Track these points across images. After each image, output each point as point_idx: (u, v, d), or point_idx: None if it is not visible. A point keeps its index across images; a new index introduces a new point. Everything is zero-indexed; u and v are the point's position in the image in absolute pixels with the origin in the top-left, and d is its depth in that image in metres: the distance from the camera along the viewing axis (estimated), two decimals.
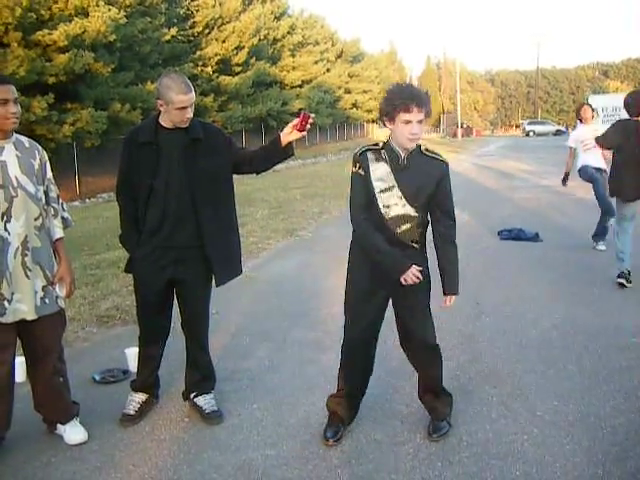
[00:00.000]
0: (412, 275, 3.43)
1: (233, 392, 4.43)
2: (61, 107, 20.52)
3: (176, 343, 4.25)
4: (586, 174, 8.82)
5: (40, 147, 3.70)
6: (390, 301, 3.73)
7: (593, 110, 9.09)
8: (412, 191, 3.45)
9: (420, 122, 3.34)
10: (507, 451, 3.59)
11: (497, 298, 6.60)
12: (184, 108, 3.65)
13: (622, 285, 6.67)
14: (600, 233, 8.71)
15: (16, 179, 3.44)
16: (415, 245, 3.56)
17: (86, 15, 21.17)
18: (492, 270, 7.85)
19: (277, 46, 40.49)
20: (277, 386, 4.54)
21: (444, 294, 3.64)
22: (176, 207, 3.77)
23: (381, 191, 3.47)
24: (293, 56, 42.28)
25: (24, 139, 3.60)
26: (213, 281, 3.99)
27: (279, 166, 4.16)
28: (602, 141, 6.84)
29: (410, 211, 3.48)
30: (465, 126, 74.84)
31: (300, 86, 42.07)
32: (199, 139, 3.78)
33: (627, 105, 6.63)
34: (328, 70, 47.28)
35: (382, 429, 3.86)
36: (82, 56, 20.00)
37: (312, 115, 3.74)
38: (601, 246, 8.66)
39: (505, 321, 5.85)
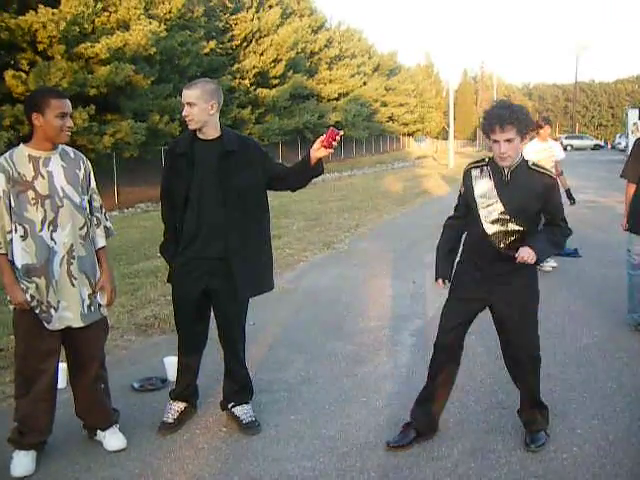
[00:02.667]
0: (438, 285, 3.77)
1: (270, 403, 4.45)
2: (101, 118, 20.87)
3: (215, 353, 4.28)
4: None
5: (85, 157, 3.78)
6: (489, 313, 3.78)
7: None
8: (515, 206, 3.49)
9: (508, 141, 3.38)
10: (546, 469, 3.54)
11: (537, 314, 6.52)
12: (184, 105, 3.78)
13: None
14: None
15: (62, 189, 3.52)
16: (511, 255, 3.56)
17: (127, 28, 21.53)
18: None
19: (314, 59, 40.73)
20: (313, 398, 4.54)
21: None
22: (209, 218, 3.81)
23: (483, 207, 3.55)
24: (330, 69, 42.48)
25: (69, 150, 3.68)
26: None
27: (316, 179, 4.18)
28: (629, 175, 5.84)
29: (513, 226, 3.51)
30: None
31: (337, 99, 42.22)
32: (234, 151, 3.83)
33: None
34: (365, 83, 47.37)
35: (420, 444, 3.82)
36: (123, 68, 20.33)
37: (340, 132, 3.74)
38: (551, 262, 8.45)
39: (544, 338, 5.73)
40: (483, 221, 3.55)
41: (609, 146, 67.25)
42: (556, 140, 8.81)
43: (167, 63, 24.35)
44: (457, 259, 3.87)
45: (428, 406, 3.86)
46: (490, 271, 3.61)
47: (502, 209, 3.50)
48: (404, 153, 57.40)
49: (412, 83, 60.49)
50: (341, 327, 6.19)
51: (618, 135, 59.84)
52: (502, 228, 3.53)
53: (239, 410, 4.10)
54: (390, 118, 53.53)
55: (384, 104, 51.85)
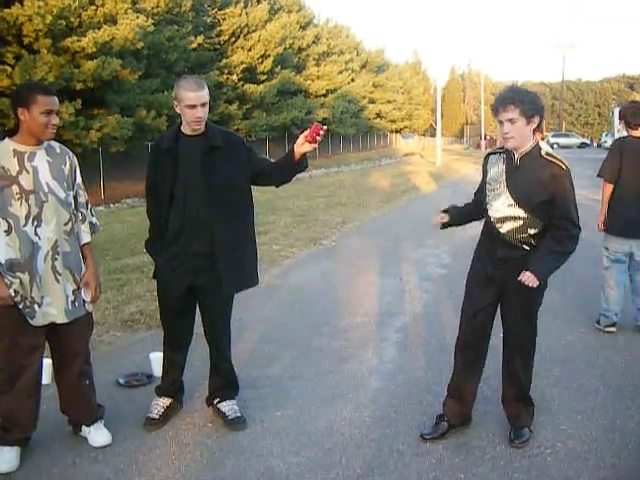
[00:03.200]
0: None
1: (256, 399, 4.45)
2: (88, 113, 20.74)
3: (201, 349, 4.27)
4: None
5: (71, 153, 3.76)
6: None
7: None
8: (521, 193, 3.51)
9: (510, 121, 3.43)
10: (530, 465, 3.57)
11: None
12: (194, 106, 3.68)
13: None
14: None
15: (47, 185, 3.50)
16: (525, 247, 3.59)
17: (115, 23, 21.40)
18: None
19: (302, 55, 40.66)
20: (299, 394, 4.55)
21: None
22: (194, 214, 3.80)
23: (491, 191, 3.62)
24: (318, 65, 42.43)
25: (55, 145, 3.66)
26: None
27: (302, 175, 4.19)
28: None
29: (518, 212, 3.53)
30: (488, 137, 74.46)
31: (324, 95, 42.19)
32: (218, 147, 3.81)
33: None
34: (352, 80, 47.37)
35: (405, 440, 3.85)
36: (110, 63, 20.21)
37: (324, 127, 3.74)
38: None
39: None
40: (490, 206, 3.62)
41: (595, 144, 67.59)
42: (543, 139, 8.82)
43: (154, 58, 24.24)
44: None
45: (457, 397, 3.89)
46: (500, 256, 3.64)
47: (507, 194, 3.54)
48: (391, 150, 57.45)
49: (400, 80, 60.56)
50: (327, 323, 6.20)
51: (604, 133, 60.18)
52: (507, 214, 3.56)
53: (225, 406, 4.10)
54: (378, 115, 53.54)
55: (372, 101, 51.86)
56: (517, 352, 3.83)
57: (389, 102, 55.29)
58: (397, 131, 63.37)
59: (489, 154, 3.78)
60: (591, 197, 16.83)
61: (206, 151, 3.79)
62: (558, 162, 3.51)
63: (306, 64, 41.13)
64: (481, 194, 3.78)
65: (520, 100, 3.42)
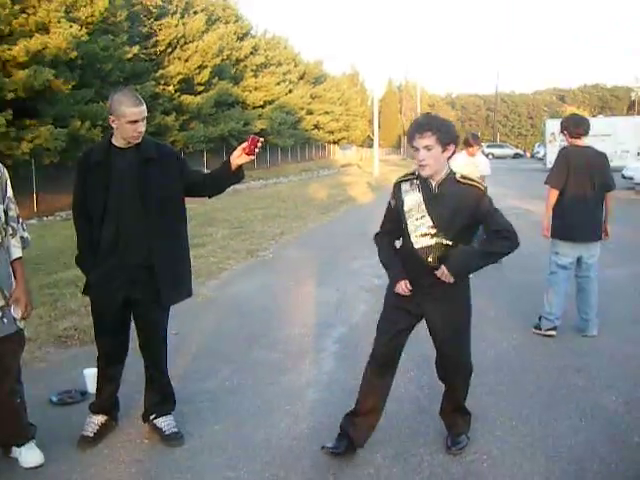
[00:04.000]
0: (401, 288, 3.60)
1: (194, 414, 4.40)
2: (20, 123, 20.21)
3: (136, 364, 4.20)
4: None
5: (1, 165, 3.66)
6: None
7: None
8: (444, 220, 3.49)
9: (427, 148, 3.42)
10: (467, 471, 3.62)
11: None
12: (135, 122, 3.65)
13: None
14: None
15: None
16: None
17: (47, 31, 20.96)
18: None
19: (240, 66, 40.53)
20: (238, 407, 4.52)
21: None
22: (129, 227, 3.75)
23: (412, 221, 3.55)
24: (256, 76, 42.36)
25: None
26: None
27: (240, 186, 4.19)
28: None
29: (441, 240, 3.51)
30: None
31: (262, 106, 42.12)
32: (152, 159, 3.78)
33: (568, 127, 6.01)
34: (290, 91, 47.43)
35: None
36: (42, 72, 19.76)
37: (261, 139, 3.76)
38: None
39: None
40: (412, 235, 3.56)
41: (528, 155, 69.25)
42: (478, 151, 9.00)
43: (89, 68, 23.78)
44: None
45: (362, 419, 3.79)
46: (421, 283, 3.60)
47: (430, 223, 3.50)
48: (329, 161, 57.72)
49: (337, 91, 60.92)
50: (265, 335, 6.18)
51: (537, 144, 61.78)
52: (431, 242, 3.53)
53: (161, 421, 4.04)
54: (315, 126, 53.71)
55: (310, 112, 52.01)
56: (456, 373, 3.85)
57: (327, 113, 55.55)
58: (335, 142, 63.69)
59: (400, 182, 3.68)
60: (523, 207, 17.30)
61: (140, 163, 3.75)
62: (476, 184, 3.55)
63: (244, 75, 41.00)
64: (392, 223, 3.73)
65: (437, 128, 3.42)
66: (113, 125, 3.72)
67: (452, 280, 3.47)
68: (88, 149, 4.01)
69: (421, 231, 3.54)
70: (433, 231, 3.51)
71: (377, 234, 3.87)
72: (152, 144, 3.88)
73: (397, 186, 3.67)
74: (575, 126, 5.94)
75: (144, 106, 3.72)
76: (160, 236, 3.79)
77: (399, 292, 3.62)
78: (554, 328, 6.03)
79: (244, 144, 3.74)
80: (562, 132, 6.08)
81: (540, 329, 6.07)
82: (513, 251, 3.56)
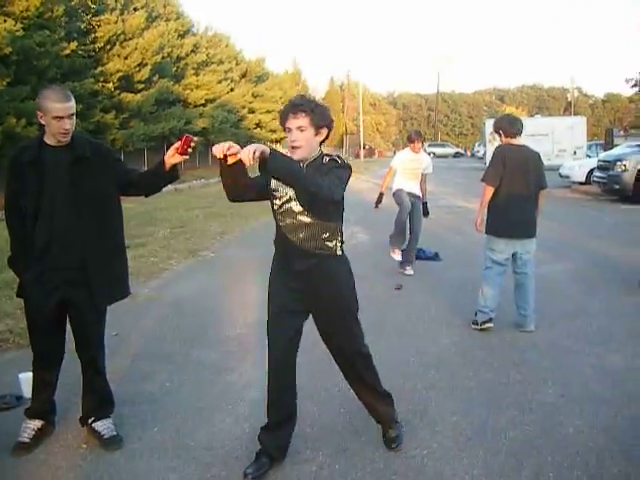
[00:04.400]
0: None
1: (133, 416, 4.32)
2: None
3: (73, 367, 4.11)
4: (399, 197, 8.81)
5: None
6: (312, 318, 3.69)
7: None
8: (308, 198, 3.39)
9: (300, 129, 3.35)
10: (408, 466, 3.65)
11: (398, 317, 6.73)
12: (61, 118, 3.57)
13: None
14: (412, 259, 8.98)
15: None
16: (322, 252, 3.50)
17: None
18: (393, 287, 7.99)
19: (181, 64, 40.11)
20: (178, 408, 4.46)
21: None
22: (62, 227, 3.67)
23: (277, 199, 3.50)
24: (197, 75, 41.98)
25: None
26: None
27: (181, 185, 4.15)
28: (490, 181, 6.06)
29: (308, 218, 3.45)
30: (367, 147, 76.23)
31: (203, 105, 41.79)
32: (85, 157, 3.71)
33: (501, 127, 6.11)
34: (232, 89, 47.18)
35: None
36: None
37: (194, 138, 3.72)
38: (397, 255, 8.85)
39: (406, 339, 5.97)
40: (277, 213, 3.52)
41: (469, 154, 70.44)
42: (421, 148, 9.09)
43: (24, 64, 23.19)
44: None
45: (277, 432, 3.70)
46: (298, 268, 3.50)
47: (295, 201, 3.44)
48: None
49: (280, 90, 60.79)
50: (206, 335, 6.12)
51: (477, 143, 62.88)
52: (294, 220, 3.47)
53: (100, 425, 3.96)
54: (258, 125, 53.53)
55: (252, 110, 51.81)
56: (359, 361, 3.77)
57: (269, 112, 55.36)
58: (277, 141, 63.49)
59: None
60: (462, 205, 17.59)
61: (73, 162, 3.67)
62: (335, 157, 3.47)
63: (185, 73, 40.60)
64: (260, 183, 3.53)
65: (311, 109, 3.37)
66: (41, 121, 3.63)
67: (255, 154, 3.01)
68: (19, 148, 3.88)
69: (284, 208, 3.48)
70: (299, 209, 3.44)
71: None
72: (85, 142, 3.80)
73: None
74: (510, 125, 6.07)
75: (71, 102, 3.61)
76: (94, 236, 3.72)
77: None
78: (489, 320, 6.15)
79: (177, 144, 3.69)
80: (497, 132, 6.18)
81: (477, 324, 6.17)
82: (316, 197, 3.29)
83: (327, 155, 3.49)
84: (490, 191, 6.03)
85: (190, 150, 3.69)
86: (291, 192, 3.45)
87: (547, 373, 5.05)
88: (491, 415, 4.29)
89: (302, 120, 3.35)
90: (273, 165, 3.06)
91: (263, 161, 3.03)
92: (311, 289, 3.54)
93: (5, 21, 20.83)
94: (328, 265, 3.55)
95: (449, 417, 4.28)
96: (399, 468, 3.63)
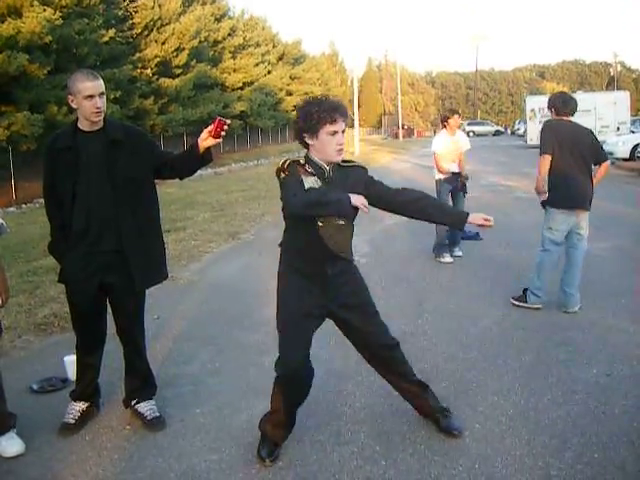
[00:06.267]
0: (358, 200, 3.12)
1: (175, 397, 4.38)
2: None
3: (117, 350, 4.17)
4: (440, 192, 8.66)
5: None
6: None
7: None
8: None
9: (343, 132, 3.32)
10: (449, 447, 3.63)
11: (439, 297, 6.68)
12: (91, 97, 3.58)
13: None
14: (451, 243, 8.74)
15: None
16: (347, 256, 3.50)
17: (20, 16, 20.66)
18: (434, 269, 7.94)
19: (218, 48, 40.22)
20: (220, 390, 4.50)
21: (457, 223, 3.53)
22: (99, 211, 3.71)
23: None
24: (234, 58, 42.07)
25: None
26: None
27: (221, 169, 4.16)
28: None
29: (341, 222, 3.39)
30: (406, 127, 75.65)
31: (241, 88, 41.89)
32: (119, 141, 3.72)
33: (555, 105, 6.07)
34: (269, 72, 47.20)
35: (325, 430, 3.86)
36: (16, 57, 19.51)
37: (227, 121, 3.66)
38: (448, 258, 8.53)
39: (447, 319, 5.92)
40: (317, 219, 3.35)
41: (509, 132, 69.44)
42: (459, 127, 8.97)
43: (64, 52, 23.50)
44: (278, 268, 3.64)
45: (281, 429, 3.64)
46: (331, 273, 3.45)
47: None
48: None
49: (317, 72, 60.65)
50: (247, 317, 6.16)
51: (517, 121, 61.93)
52: (333, 223, 3.37)
53: (143, 406, 4.02)
54: (295, 107, 53.51)
55: (289, 93, 51.78)
56: (393, 352, 3.70)
57: (306, 94, 55.18)
58: None
59: (291, 163, 3.37)
60: (504, 183, 17.36)
61: (107, 146, 3.69)
62: (359, 164, 3.50)
63: (222, 57, 40.70)
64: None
65: (347, 110, 3.37)
66: (73, 105, 3.66)
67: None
68: (54, 135, 3.91)
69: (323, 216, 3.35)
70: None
71: (290, 201, 3.29)
72: (119, 126, 3.83)
73: (291, 166, 3.36)
74: (563, 105, 5.98)
75: (100, 81, 3.63)
76: (130, 219, 3.75)
77: (358, 205, 3.13)
78: (540, 303, 6.08)
79: (210, 127, 3.67)
80: (549, 109, 6.10)
81: (521, 301, 6.12)
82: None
83: (343, 161, 3.44)
84: (547, 159, 5.93)
85: (223, 133, 3.67)
86: None
87: (591, 353, 4.97)
88: (533, 395, 4.24)
89: (344, 123, 3.33)
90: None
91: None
92: (337, 292, 3.50)
93: (45, 10, 21.08)
94: (351, 268, 3.57)
95: (491, 397, 4.24)
96: (440, 449, 3.61)
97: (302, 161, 3.38)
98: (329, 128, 3.27)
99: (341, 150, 3.34)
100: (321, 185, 3.33)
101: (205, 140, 3.69)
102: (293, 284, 3.51)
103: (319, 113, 3.27)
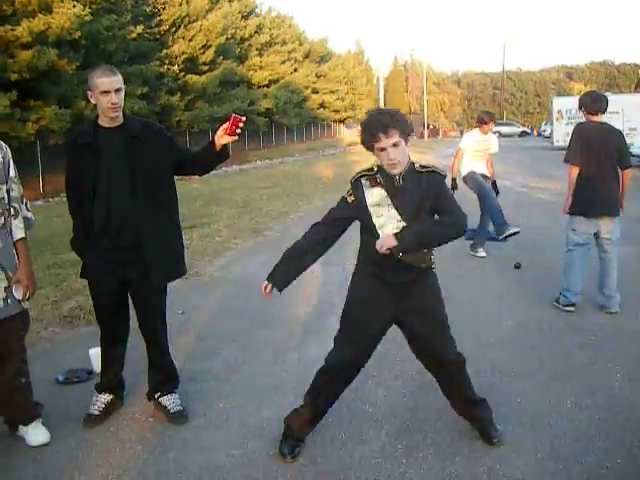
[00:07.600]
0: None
1: (198, 392, 4.42)
2: (24, 104, 20.22)
3: (140, 343, 4.21)
4: (475, 182, 8.65)
5: (4, 145, 3.66)
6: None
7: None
8: (412, 211, 3.34)
9: (395, 145, 3.25)
10: (471, 448, 3.63)
11: (461, 297, 6.66)
12: (107, 92, 3.61)
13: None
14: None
15: None
16: (422, 265, 3.46)
17: (50, 11, 20.89)
18: (457, 269, 7.91)
19: (244, 45, 40.38)
20: (242, 386, 4.53)
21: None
22: (119, 207, 3.74)
23: (378, 216, 3.38)
24: (260, 55, 42.20)
25: None
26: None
27: (246, 166, 4.20)
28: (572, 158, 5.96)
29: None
30: (432, 127, 75.41)
31: (267, 86, 42.00)
32: (138, 137, 3.75)
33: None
34: (295, 70, 47.26)
35: (347, 428, 3.87)
36: (46, 53, 19.73)
37: (243, 118, 3.69)
38: (482, 252, 8.69)
39: (469, 320, 5.90)
40: (379, 230, 3.38)
41: (535, 133, 68.83)
42: (490, 130, 8.95)
43: (92, 48, 23.73)
44: (353, 271, 3.69)
45: (308, 425, 3.68)
46: (393, 281, 3.45)
47: (398, 217, 3.35)
48: (335, 140, 57.56)
49: (343, 70, 60.58)
50: (270, 314, 6.18)
51: (544, 122, 61.38)
52: None
53: (166, 400, 4.06)
54: (321, 105, 53.51)
55: (315, 91, 51.82)
56: (453, 365, 3.65)
57: (332, 92, 55.29)
58: (341, 121, 63.45)
59: (358, 178, 3.43)
60: (530, 185, 17.24)
61: (126, 142, 3.73)
62: (436, 170, 3.43)
63: (248, 54, 40.85)
64: (339, 221, 3.59)
65: (398, 121, 3.27)
66: (92, 101, 3.70)
67: (392, 244, 3.25)
68: (76, 132, 3.98)
69: (389, 225, 3.36)
70: (401, 224, 3.34)
71: (315, 224, 3.64)
72: (137, 122, 3.86)
73: (356, 182, 3.43)
74: (592, 103, 5.96)
75: (117, 76, 3.66)
76: (149, 215, 3.77)
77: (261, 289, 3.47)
78: (572, 305, 6.08)
79: (225, 124, 3.69)
80: (580, 109, 6.08)
81: (557, 302, 6.16)
82: (454, 239, 3.43)
83: (420, 165, 3.41)
84: (575, 170, 5.89)
85: (239, 130, 3.69)
86: (392, 209, 3.36)
87: (615, 356, 4.93)
88: (554, 399, 4.22)
89: (395, 136, 3.25)
90: (404, 247, 3.26)
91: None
92: (408, 299, 3.49)
93: (74, 6, 21.30)
94: (425, 276, 3.52)
95: (513, 399, 4.23)
96: (462, 449, 3.61)
97: (374, 170, 3.40)
98: (377, 146, 3.28)
99: (394, 164, 3.29)
100: (386, 195, 3.34)
101: (221, 137, 3.72)
102: (363, 283, 3.59)
103: (364, 134, 3.33)
